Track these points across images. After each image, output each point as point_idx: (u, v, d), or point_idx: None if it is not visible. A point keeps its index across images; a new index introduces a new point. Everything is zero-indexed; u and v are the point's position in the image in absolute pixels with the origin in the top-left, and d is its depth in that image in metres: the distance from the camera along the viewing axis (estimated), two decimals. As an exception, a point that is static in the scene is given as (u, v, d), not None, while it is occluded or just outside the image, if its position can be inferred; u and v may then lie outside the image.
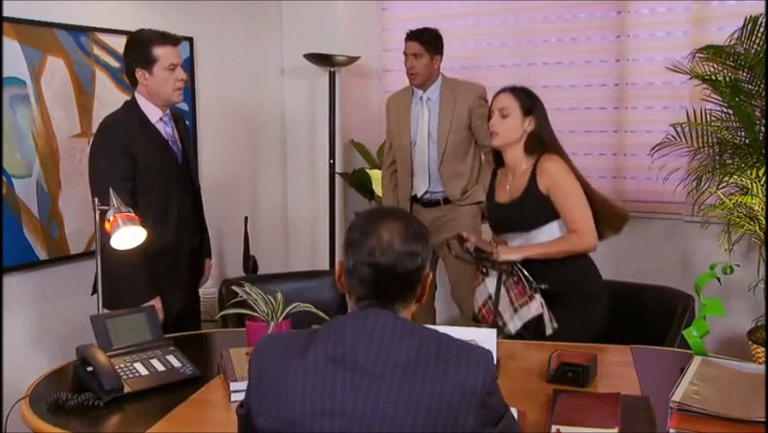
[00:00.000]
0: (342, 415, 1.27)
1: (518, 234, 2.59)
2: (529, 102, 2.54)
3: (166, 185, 2.68)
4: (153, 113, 2.68)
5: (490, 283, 2.56)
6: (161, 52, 2.61)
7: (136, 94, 2.68)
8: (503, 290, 2.52)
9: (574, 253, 2.49)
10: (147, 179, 2.63)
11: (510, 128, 2.53)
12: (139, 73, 2.63)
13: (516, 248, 2.55)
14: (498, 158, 2.68)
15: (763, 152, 3.23)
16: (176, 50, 2.66)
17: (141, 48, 2.62)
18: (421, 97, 3.66)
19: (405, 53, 3.61)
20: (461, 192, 3.64)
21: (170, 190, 2.70)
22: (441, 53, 3.63)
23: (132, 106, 2.68)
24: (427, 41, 3.58)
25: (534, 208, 2.51)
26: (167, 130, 2.72)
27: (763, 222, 3.06)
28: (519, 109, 2.52)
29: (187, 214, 2.79)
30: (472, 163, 3.67)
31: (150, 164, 2.62)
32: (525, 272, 2.49)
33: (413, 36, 3.60)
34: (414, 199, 3.73)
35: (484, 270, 2.58)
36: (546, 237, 2.54)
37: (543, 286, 2.48)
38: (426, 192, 3.68)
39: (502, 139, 2.55)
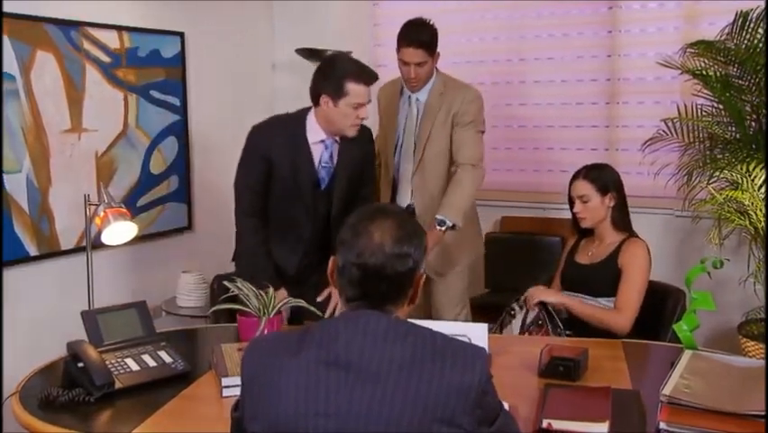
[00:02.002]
0: (336, 416, 1.25)
1: (583, 296, 2.64)
2: (602, 180, 2.66)
3: (292, 206, 2.64)
4: (316, 133, 2.62)
5: (516, 327, 2.60)
6: (354, 89, 2.50)
7: (312, 110, 2.62)
8: (526, 334, 2.56)
9: (605, 326, 2.51)
10: (276, 193, 2.63)
11: (594, 210, 2.66)
12: (324, 99, 2.54)
13: (553, 291, 2.63)
14: (580, 227, 2.74)
15: (753, 146, 3.24)
16: (368, 90, 2.54)
17: (334, 77, 2.52)
18: (410, 96, 3.15)
19: (404, 60, 3.00)
20: (430, 214, 3.00)
21: (295, 213, 2.66)
22: (437, 47, 3.05)
23: (297, 118, 2.65)
24: (429, 42, 2.98)
25: (608, 278, 2.59)
26: (324, 154, 2.64)
27: (754, 217, 3.07)
28: (596, 192, 2.65)
29: (303, 242, 2.69)
30: (445, 184, 3.07)
31: (284, 180, 2.56)
32: (555, 316, 2.55)
33: (415, 42, 2.96)
34: None
35: (512, 311, 2.63)
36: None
37: (567, 332, 2.53)
38: (409, 205, 3.14)
39: (590, 221, 2.68)
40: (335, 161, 2.67)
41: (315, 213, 2.67)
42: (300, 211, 2.66)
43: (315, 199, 2.66)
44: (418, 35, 2.97)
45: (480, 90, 3.14)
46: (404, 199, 3.18)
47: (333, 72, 2.54)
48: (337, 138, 2.64)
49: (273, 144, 2.61)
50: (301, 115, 2.65)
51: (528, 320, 2.57)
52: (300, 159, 2.61)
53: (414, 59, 2.98)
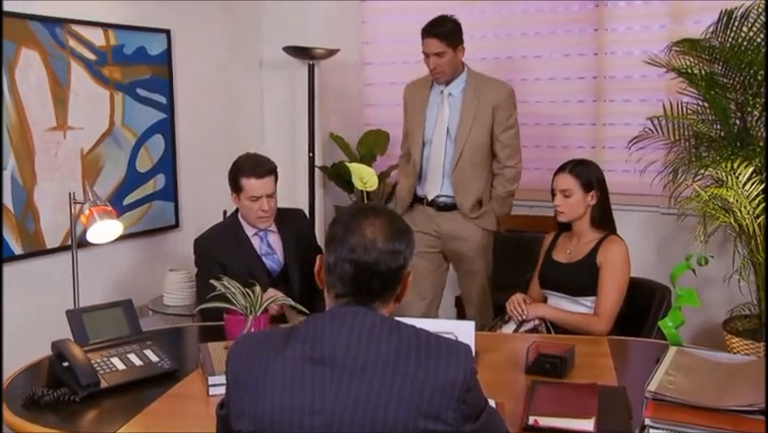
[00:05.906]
0: (321, 412, 1.26)
1: (562, 295, 2.65)
2: (588, 176, 2.64)
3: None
4: (249, 228, 2.82)
5: (507, 331, 2.61)
6: (246, 183, 2.72)
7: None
8: None
9: (584, 332, 2.51)
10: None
11: (574, 206, 2.64)
12: (232, 197, 2.79)
13: (535, 306, 2.64)
14: (561, 222, 2.73)
15: (738, 144, 3.27)
16: (261, 183, 2.71)
17: (233, 175, 2.77)
18: (442, 92, 3.34)
19: (425, 52, 3.26)
20: (472, 206, 3.32)
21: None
22: (462, 42, 3.30)
23: (232, 219, 2.88)
24: (447, 34, 3.23)
25: (587, 276, 2.58)
26: (261, 245, 2.82)
27: (738, 214, 3.10)
28: (580, 188, 2.62)
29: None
30: (488, 176, 3.37)
31: (237, 275, 2.53)
32: (551, 328, 2.56)
33: (431, 32, 3.23)
34: (422, 201, 3.39)
35: (506, 316, 2.65)
36: (584, 308, 2.60)
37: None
38: (439, 196, 3.35)
39: (568, 216, 2.66)
40: (282, 250, 2.83)
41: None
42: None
43: (274, 285, 2.65)
44: (435, 27, 3.23)
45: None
46: (431, 190, 3.36)
47: (232, 172, 2.78)
48: (269, 228, 2.82)
49: (220, 248, 2.77)
50: (235, 215, 2.86)
51: (524, 329, 2.57)
52: (247, 252, 2.78)
53: (431, 49, 3.22)
